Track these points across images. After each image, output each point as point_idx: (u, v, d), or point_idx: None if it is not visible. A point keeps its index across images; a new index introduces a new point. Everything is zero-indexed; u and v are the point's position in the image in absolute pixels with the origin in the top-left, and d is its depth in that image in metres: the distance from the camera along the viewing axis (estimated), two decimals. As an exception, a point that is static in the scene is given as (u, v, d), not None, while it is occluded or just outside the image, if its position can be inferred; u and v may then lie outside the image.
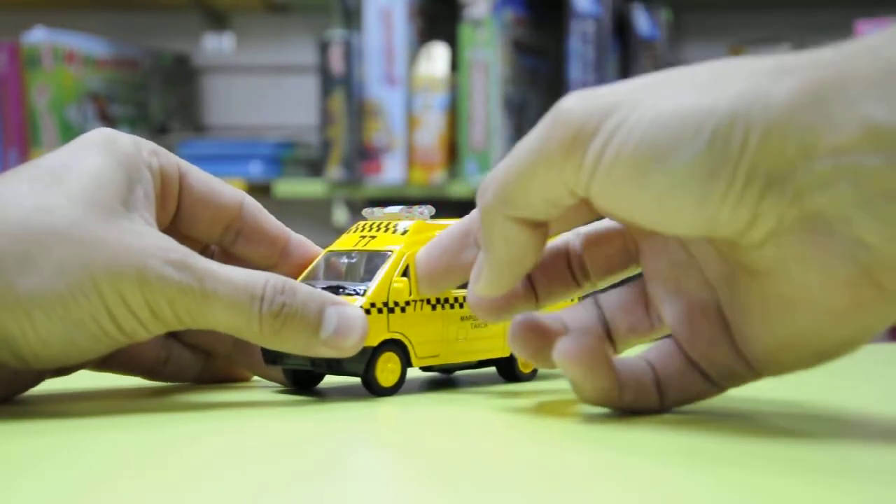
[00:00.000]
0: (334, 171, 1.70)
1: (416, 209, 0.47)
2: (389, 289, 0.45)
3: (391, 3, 1.70)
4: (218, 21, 1.96)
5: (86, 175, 0.41)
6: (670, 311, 0.39)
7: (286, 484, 0.30)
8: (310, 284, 0.45)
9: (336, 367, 0.44)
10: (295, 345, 0.42)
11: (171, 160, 0.45)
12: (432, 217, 0.47)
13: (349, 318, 0.43)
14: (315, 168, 1.82)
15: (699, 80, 0.34)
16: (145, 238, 0.41)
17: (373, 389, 0.45)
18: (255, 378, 0.51)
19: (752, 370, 0.38)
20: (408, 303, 0.45)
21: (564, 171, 0.35)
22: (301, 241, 0.49)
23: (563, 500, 0.28)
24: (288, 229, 0.49)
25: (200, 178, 0.47)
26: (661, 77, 0.35)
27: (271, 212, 0.49)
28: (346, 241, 0.48)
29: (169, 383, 0.49)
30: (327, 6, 1.81)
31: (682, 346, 0.39)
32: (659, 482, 0.30)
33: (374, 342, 0.44)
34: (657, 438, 0.36)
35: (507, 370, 0.50)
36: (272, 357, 0.45)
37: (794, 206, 0.33)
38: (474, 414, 0.43)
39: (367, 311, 0.44)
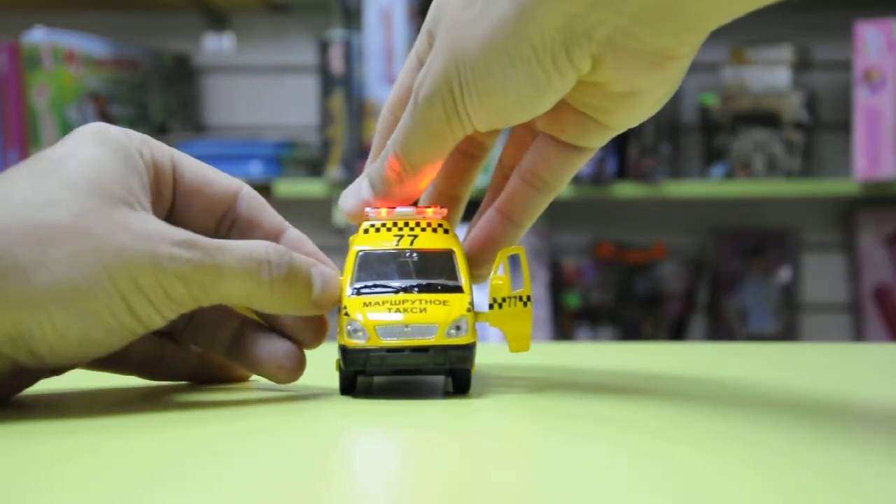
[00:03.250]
0: (334, 171, 1.70)
1: (430, 209, 0.46)
2: (491, 285, 0.46)
3: (391, 3, 1.70)
4: (218, 21, 1.96)
5: (85, 165, 0.42)
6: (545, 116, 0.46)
7: (297, 485, 0.30)
8: (381, 284, 0.45)
9: (442, 365, 0.44)
10: (295, 305, 0.44)
11: (164, 151, 0.45)
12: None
13: (329, 276, 0.45)
14: (315, 168, 1.82)
15: (476, 9, 0.42)
16: (150, 224, 0.41)
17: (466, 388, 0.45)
18: (254, 378, 0.50)
19: (612, 130, 0.47)
20: (504, 298, 0.46)
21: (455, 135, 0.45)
22: (297, 237, 0.48)
23: (578, 499, 0.28)
24: (286, 224, 0.48)
25: (194, 167, 0.46)
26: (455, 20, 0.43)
27: (271, 211, 0.49)
28: (379, 239, 0.46)
29: (170, 384, 0.49)
30: (327, 6, 1.81)
31: (556, 137, 0.48)
32: (663, 476, 0.30)
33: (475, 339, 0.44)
34: (658, 438, 0.36)
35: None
36: (357, 370, 0.44)
37: (592, 45, 0.42)
38: (486, 415, 0.42)
39: (469, 309, 0.44)
